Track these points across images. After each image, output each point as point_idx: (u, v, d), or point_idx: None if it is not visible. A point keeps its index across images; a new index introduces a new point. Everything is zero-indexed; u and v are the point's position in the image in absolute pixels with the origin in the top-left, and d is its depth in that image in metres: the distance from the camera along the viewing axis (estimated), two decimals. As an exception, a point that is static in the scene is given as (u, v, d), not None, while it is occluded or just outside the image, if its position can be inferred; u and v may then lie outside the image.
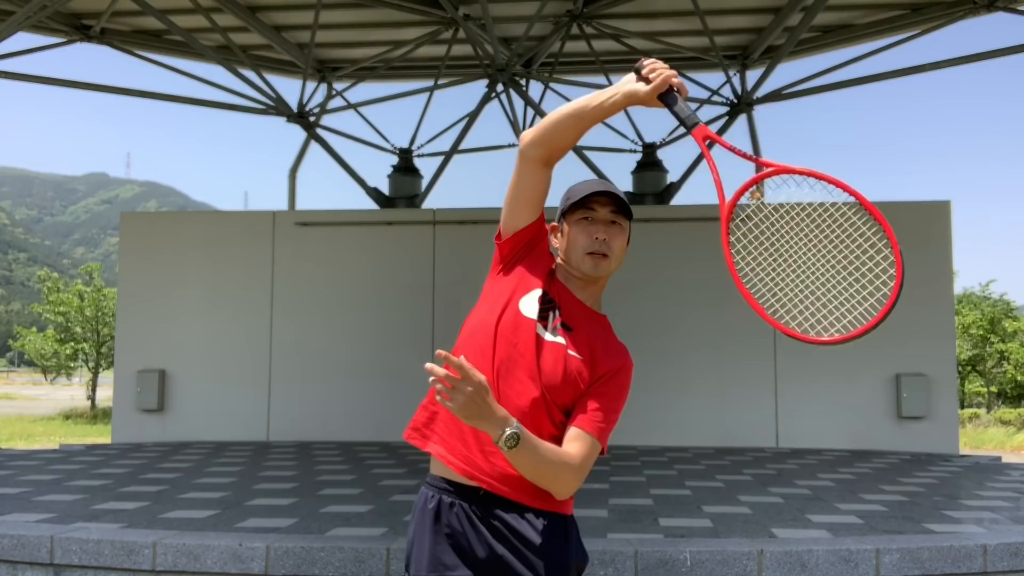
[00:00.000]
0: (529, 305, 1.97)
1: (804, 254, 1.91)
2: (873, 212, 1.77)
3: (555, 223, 2.08)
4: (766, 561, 4.33)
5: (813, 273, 1.90)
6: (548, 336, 1.96)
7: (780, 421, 10.65)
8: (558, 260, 2.09)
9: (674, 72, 1.88)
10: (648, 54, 12.97)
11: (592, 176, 12.23)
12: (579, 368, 1.94)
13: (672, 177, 12.56)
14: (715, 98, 12.43)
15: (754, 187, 1.88)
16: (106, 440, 13.89)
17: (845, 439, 10.46)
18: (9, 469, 7.94)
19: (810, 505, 6.02)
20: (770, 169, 1.92)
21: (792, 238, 1.92)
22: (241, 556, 4.40)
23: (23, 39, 11.30)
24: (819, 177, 1.83)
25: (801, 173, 1.86)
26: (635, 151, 13.05)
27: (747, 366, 10.71)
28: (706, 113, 12.89)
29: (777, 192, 1.91)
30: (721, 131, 12.25)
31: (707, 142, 2.00)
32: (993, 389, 26.69)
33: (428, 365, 1.69)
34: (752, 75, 12.83)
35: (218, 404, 11.32)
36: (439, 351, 1.68)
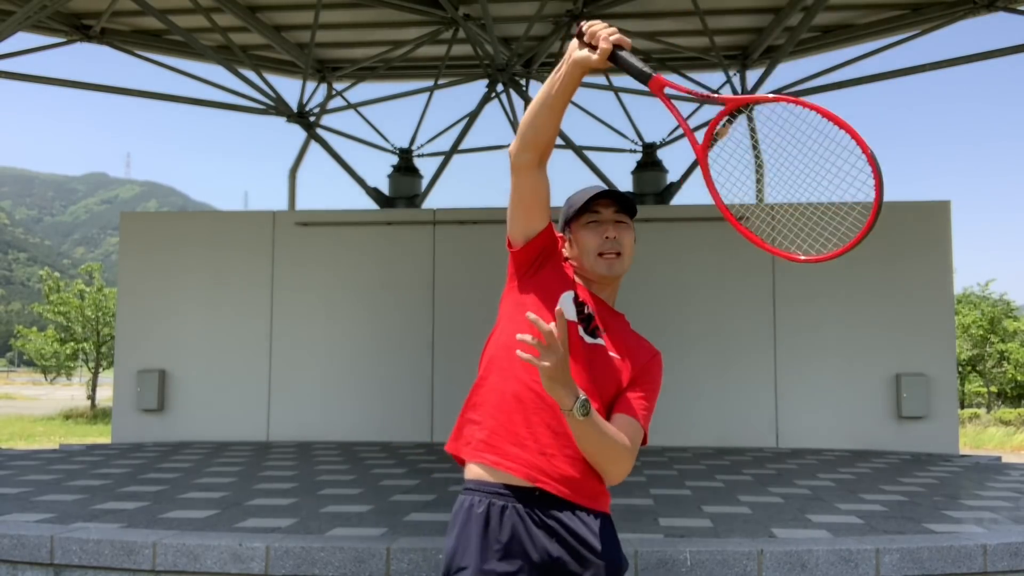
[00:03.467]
0: (566, 308, 1.95)
1: (784, 179, 1.93)
2: (842, 125, 1.74)
3: (561, 235, 2.10)
4: (766, 561, 4.33)
5: (795, 194, 1.92)
6: (588, 339, 1.98)
7: (780, 421, 10.65)
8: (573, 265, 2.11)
9: (614, 29, 1.86)
10: (648, 54, 13.00)
11: (595, 181, 12.25)
12: (619, 367, 1.99)
13: (672, 177, 12.56)
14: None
15: (720, 124, 1.88)
16: (106, 440, 13.89)
17: (845, 439, 10.46)
18: (9, 469, 7.94)
19: (810, 505, 6.02)
20: (729, 103, 1.92)
21: (769, 166, 1.95)
22: (241, 556, 4.40)
23: (23, 39, 11.31)
24: (786, 100, 1.84)
25: (764, 100, 1.87)
26: (635, 151, 13.06)
27: (747, 366, 10.71)
28: (706, 113, 12.87)
29: (743, 126, 1.92)
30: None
31: (665, 91, 2.01)
32: (993, 389, 26.69)
33: (531, 316, 1.72)
34: (752, 75, 12.83)
35: (218, 404, 11.32)
36: (529, 314, 1.72)
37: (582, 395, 1.78)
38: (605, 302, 2.08)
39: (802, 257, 1.83)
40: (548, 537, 1.89)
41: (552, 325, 1.72)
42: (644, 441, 2.01)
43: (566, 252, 2.08)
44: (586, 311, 2.00)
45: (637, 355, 2.04)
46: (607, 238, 2.01)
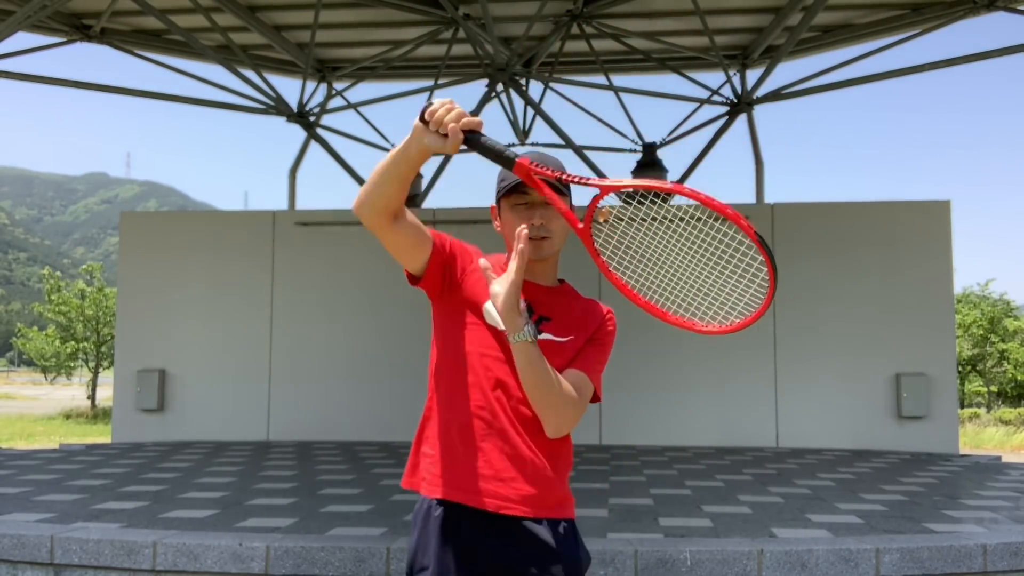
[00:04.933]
0: (496, 318, 1.91)
1: (677, 258, 1.85)
2: (723, 212, 1.72)
3: (493, 205, 2.03)
4: (766, 561, 4.33)
5: (689, 274, 1.85)
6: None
7: (780, 421, 10.65)
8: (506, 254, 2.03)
9: (460, 112, 1.75)
10: (648, 54, 12.97)
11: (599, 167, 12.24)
12: (570, 348, 1.97)
13: (672, 177, 12.55)
14: (715, 98, 12.42)
15: (597, 210, 1.81)
16: (106, 440, 13.89)
17: (845, 439, 10.46)
18: (9, 469, 7.94)
19: (810, 505, 6.02)
20: (605, 186, 1.79)
21: (660, 244, 1.87)
22: (241, 556, 4.40)
23: (23, 39, 11.30)
24: (664, 190, 1.76)
25: (642, 187, 1.80)
26: (635, 151, 13.05)
27: (747, 366, 10.71)
28: (706, 113, 12.88)
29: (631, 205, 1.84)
30: (721, 131, 12.23)
31: (535, 174, 1.81)
32: (993, 389, 26.70)
33: (481, 262, 1.84)
34: (752, 75, 12.82)
35: (218, 404, 11.32)
36: (482, 261, 1.83)
37: (530, 324, 1.82)
38: (542, 284, 2.02)
39: (703, 328, 1.76)
40: (506, 542, 1.88)
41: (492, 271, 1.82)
42: (596, 397, 1.99)
43: (496, 225, 2.03)
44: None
45: (587, 326, 2.01)
46: (533, 224, 1.92)
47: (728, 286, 1.76)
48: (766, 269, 1.69)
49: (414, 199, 12.92)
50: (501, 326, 1.87)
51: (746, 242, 1.71)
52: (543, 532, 1.90)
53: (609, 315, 2.06)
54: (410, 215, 1.90)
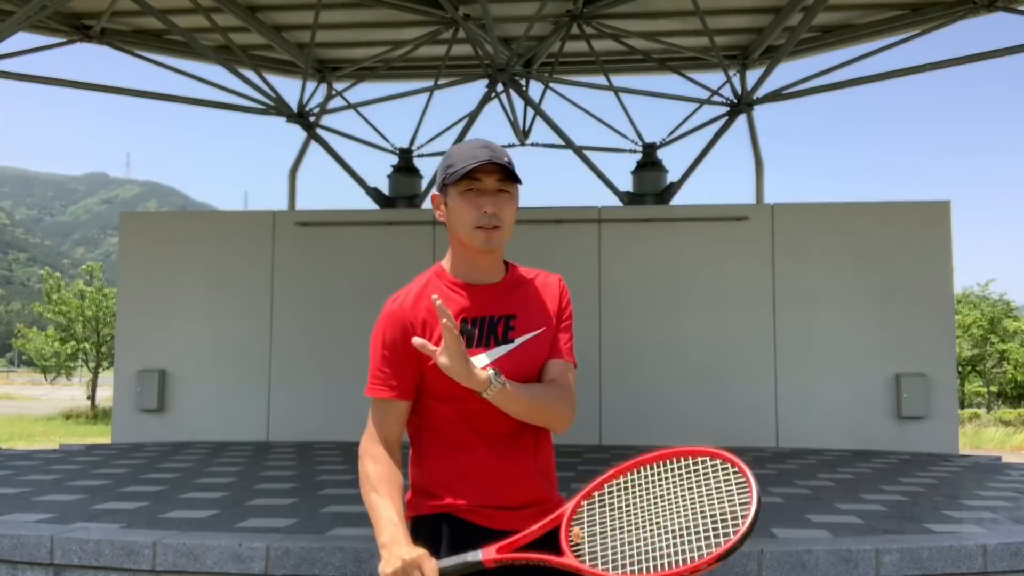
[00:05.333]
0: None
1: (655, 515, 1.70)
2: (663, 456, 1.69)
3: (436, 193, 1.94)
4: (766, 561, 4.33)
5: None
6: (503, 350, 1.89)
7: (780, 421, 10.65)
8: (444, 263, 1.98)
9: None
10: (648, 54, 12.98)
11: (595, 180, 12.25)
12: (543, 339, 1.93)
13: (672, 177, 12.55)
14: (715, 98, 12.42)
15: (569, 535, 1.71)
16: (106, 440, 13.89)
17: (845, 439, 10.46)
18: (9, 469, 7.94)
19: (810, 505, 6.02)
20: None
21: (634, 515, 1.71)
22: (241, 556, 4.40)
23: (23, 39, 11.30)
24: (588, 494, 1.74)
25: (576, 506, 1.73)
26: (635, 151, 13.05)
27: (747, 366, 10.71)
28: (706, 113, 12.86)
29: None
30: (721, 131, 12.23)
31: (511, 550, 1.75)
32: (993, 389, 26.71)
33: (417, 341, 1.78)
34: (752, 75, 12.83)
35: (218, 404, 11.32)
36: (436, 298, 1.73)
37: (490, 373, 1.77)
38: (491, 284, 1.94)
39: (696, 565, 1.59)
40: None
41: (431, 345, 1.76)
42: (574, 361, 2.01)
43: (438, 214, 1.93)
44: (471, 328, 1.88)
45: (551, 308, 1.97)
46: (485, 212, 1.84)
47: (710, 511, 1.65)
48: (746, 489, 1.61)
49: (413, 199, 12.93)
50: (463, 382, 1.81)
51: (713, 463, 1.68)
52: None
53: (562, 285, 2.02)
54: (397, 431, 1.92)
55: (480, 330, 1.90)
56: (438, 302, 1.72)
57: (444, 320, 1.71)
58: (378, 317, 1.96)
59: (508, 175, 1.86)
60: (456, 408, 1.88)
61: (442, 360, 1.75)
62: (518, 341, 1.90)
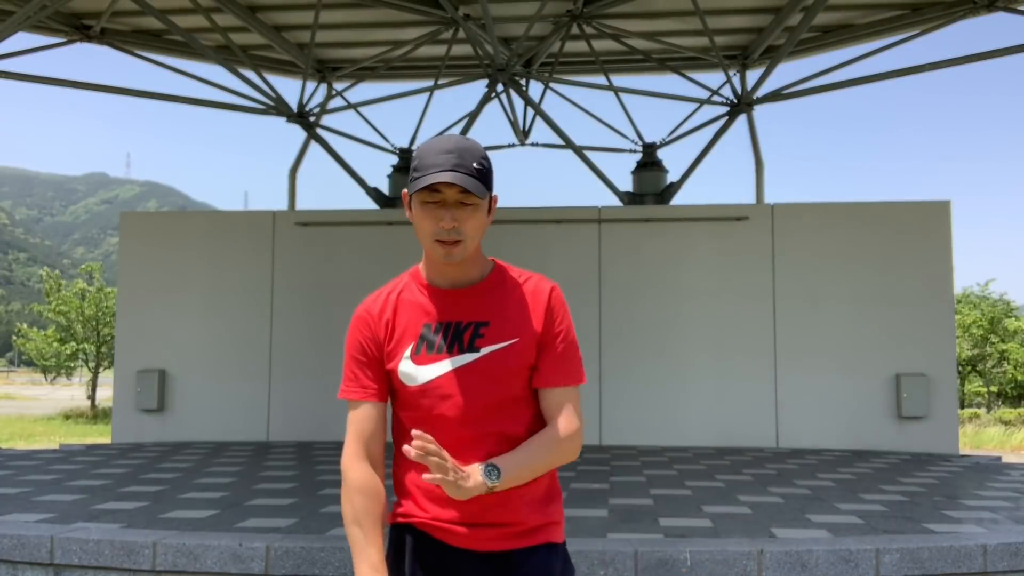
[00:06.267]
0: (416, 366, 1.81)
1: None
2: None
3: (406, 191, 1.82)
4: (766, 561, 4.33)
5: None
6: (469, 358, 1.80)
7: (780, 421, 10.65)
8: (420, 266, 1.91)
9: None
10: (648, 54, 12.98)
11: (596, 182, 12.23)
12: (520, 350, 1.80)
13: (672, 177, 12.56)
14: (715, 98, 12.43)
15: None
16: (106, 440, 13.89)
17: (845, 439, 10.46)
18: (9, 469, 7.94)
19: (810, 505, 6.02)
20: None
21: None
22: (241, 556, 4.40)
23: (23, 39, 11.31)
24: None
25: None
26: (635, 151, 13.05)
27: (747, 366, 10.71)
28: (706, 113, 12.88)
29: None
30: (721, 131, 12.23)
31: None
32: (993, 389, 26.70)
33: (407, 449, 1.65)
34: (752, 75, 12.83)
35: (218, 404, 11.32)
36: (416, 439, 1.63)
37: (479, 478, 1.69)
38: (465, 288, 1.85)
39: None
40: (480, 563, 1.80)
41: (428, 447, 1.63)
42: (581, 378, 1.88)
43: (408, 214, 1.83)
44: (441, 336, 1.81)
45: (533, 317, 1.82)
46: (443, 227, 1.74)
47: None
48: None
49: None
50: (413, 384, 1.80)
51: None
52: (525, 563, 1.82)
53: (555, 293, 1.86)
54: (376, 438, 1.85)
55: (444, 337, 1.80)
56: (411, 453, 1.62)
57: (436, 470, 1.63)
58: None
59: (474, 184, 1.72)
60: (411, 417, 1.83)
61: (450, 492, 1.67)
62: (484, 351, 1.79)
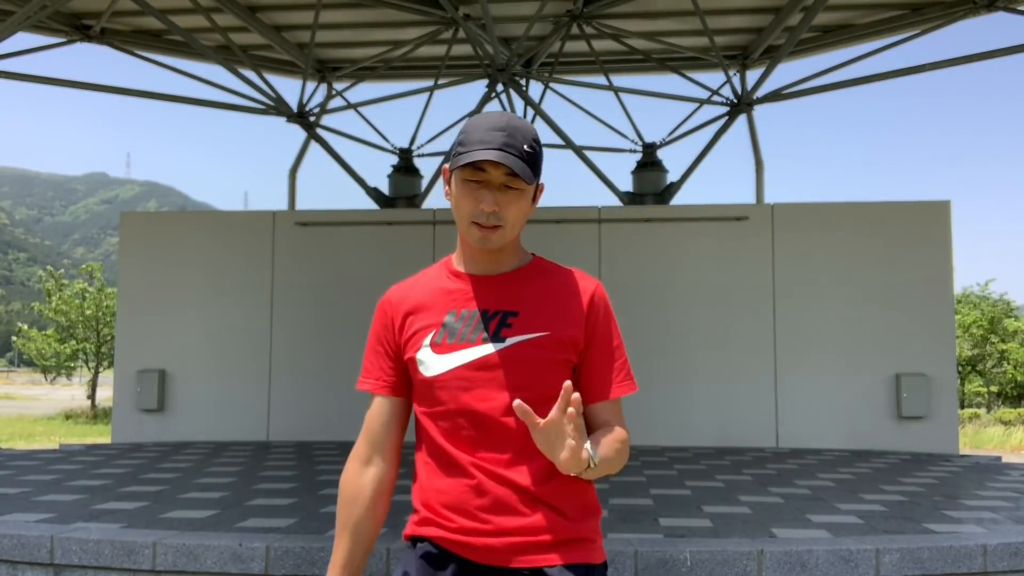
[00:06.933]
0: (435, 354, 1.68)
1: None
2: None
3: (447, 167, 1.71)
4: (766, 561, 4.33)
5: None
6: (494, 347, 1.65)
7: (780, 421, 10.65)
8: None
9: None
10: (648, 54, 12.99)
11: (596, 182, 12.23)
12: (549, 345, 1.65)
13: (672, 177, 12.56)
14: (715, 98, 12.43)
15: None
16: (106, 440, 13.89)
17: (845, 439, 10.46)
18: (9, 469, 7.94)
19: (810, 505, 6.02)
20: None
21: None
22: (241, 556, 4.40)
23: (23, 39, 11.31)
24: None
25: None
26: (635, 151, 13.05)
27: (747, 366, 10.71)
28: (706, 113, 12.90)
29: None
30: (721, 131, 12.24)
31: None
32: (993, 389, 26.70)
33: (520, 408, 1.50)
34: (752, 75, 12.83)
35: (218, 404, 11.32)
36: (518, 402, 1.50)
37: (589, 453, 1.53)
38: (502, 275, 1.72)
39: None
40: None
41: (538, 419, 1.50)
42: (633, 387, 1.75)
43: (445, 191, 1.72)
44: (465, 323, 1.68)
45: (571, 313, 1.69)
46: (483, 210, 1.62)
47: None
48: None
49: (413, 199, 12.94)
50: (430, 373, 1.67)
51: None
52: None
53: (600, 293, 1.73)
54: (385, 432, 1.77)
55: (468, 325, 1.67)
56: (517, 403, 1.49)
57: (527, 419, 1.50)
58: None
59: (522, 166, 1.60)
60: (428, 413, 1.70)
61: (561, 458, 1.51)
62: (510, 341, 1.64)
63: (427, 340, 1.68)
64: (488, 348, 1.64)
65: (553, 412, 1.47)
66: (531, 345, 1.64)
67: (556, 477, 1.63)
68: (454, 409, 1.65)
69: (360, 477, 1.74)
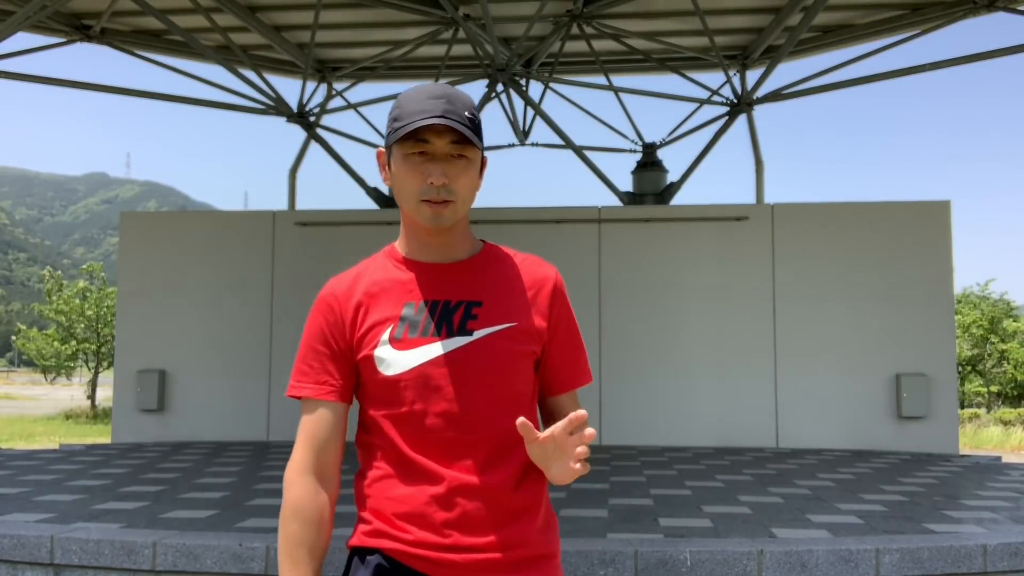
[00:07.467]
0: (396, 351, 1.53)
1: None
2: None
3: (381, 149, 1.60)
4: (766, 561, 4.33)
5: None
6: (460, 341, 1.52)
7: (780, 421, 10.65)
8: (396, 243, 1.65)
9: None
10: (648, 54, 12.99)
11: (596, 182, 12.23)
12: (517, 336, 1.55)
13: (672, 177, 12.56)
14: (715, 98, 12.43)
15: None
16: (106, 440, 13.89)
17: (845, 439, 10.46)
18: (9, 469, 7.94)
19: (810, 505, 6.02)
20: None
21: None
22: (241, 556, 4.40)
23: (23, 39, 11.31)
24: None
25: None
26: (635, 151, 13.05)
27: (747, 366, 10.71)
28: (706, 113, 12.89)
29: None
30: (721, 131, 12.23)
31: None
32: (993, 389, 26.69)
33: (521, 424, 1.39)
34: (752, 75, 12.83)
35: (218, 404, 11.32)
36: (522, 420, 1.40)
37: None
38: (455, 262, 1.59)
39: None
40: None
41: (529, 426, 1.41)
42: (591, 376, 1.68)
43: (383, 177, 1.60)
44: (426, 316, 1.54)
45: (534, 299, 1.58)
46: (432, 183, 1.49)
47: None
48: None
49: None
50: (392, 372, 1.52)
51: None
52: None
53: (559, 280, 1.64)
54: (330, 445, 1.57)
55: (430, 317, 1.53)
56: (521, 420, 1.38)
57: (526, 434, 1.40)
58: None
59: (465, 137, 1.49)
60: (389, 416, 1.53)
61: (553, 473, 1.44)
62: (477, 334, 1.52)
63: (385, 336, 1.53)
64: (456, 342, 1.52)
65: (557, 430, 1.39)
66: (500, 337, 1.53)
67: (525, 484, 1.54)
68: (419, 410, 1.51)
69: (317, 495, 1.54)
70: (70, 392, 36.90)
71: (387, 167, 1.58)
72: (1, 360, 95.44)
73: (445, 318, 1.53)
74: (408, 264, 1.59)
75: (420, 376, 1.50)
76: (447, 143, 1.49)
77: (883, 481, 7.41)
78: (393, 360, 1.51)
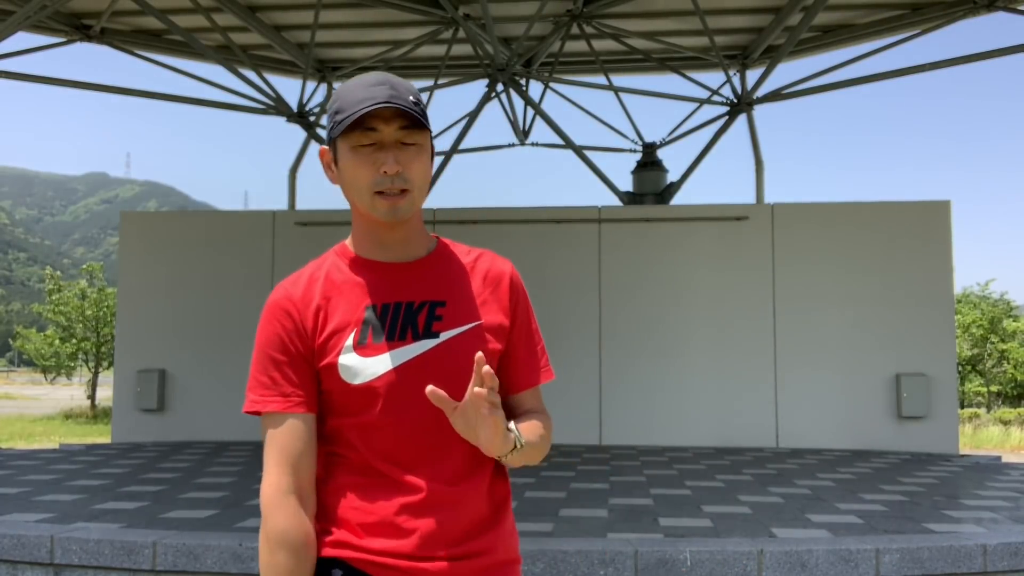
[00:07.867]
0: (361, 358, 1.46)
1: None
2: None
3: (324, 147, 1.51)
4: (766, 561, 4.33)
5: None
6: (427, 344, 1.47)
7: (780, 421, 10.65)
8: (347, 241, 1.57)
9: None
10: (648, 54, 12.98)
11: (597, 182, 12.23)
12: (482, 335, 1.50)
13: (672, 177, 12.56)
14: (715, 98, 12.43)
15: None
16: (106, 440, 13.89)
17: (845, 439, 10.46)
18: (9, 469, 7.94)
19: (810, 505, 6.02)
20: None
21: None
22: (241, 556, 4.40)
23: (23, 39, 11.31)
24: None
25: None
26: (635, 151, 13.05)
27: (747, 366, 10.71)
28: (706, 113, 12.89)
29: None
30: (721, 131, 12.23)
31: None
32: (993, 389, 26.69)
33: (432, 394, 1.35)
34: (752, 75, 12.83)
35: (218, 404, 11.31)
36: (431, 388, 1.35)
37: (515, 434, 1.42)
38: (411, 262, 1.53)
39: None
40: None
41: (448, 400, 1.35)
42: (552, 372, 1.63)
43: (329, 176, 1.52)
44: (390, 319, 1.48)
45: (494, 294, 1.54)
46: (385, 173, 1.42)
47: None
48: None
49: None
50: (359, 380, 1.45)
51: None
52: None
53: (516, 275, 1.59)
54: (305, 460, 1.46)
55: (394, 320, 1.47)
56: (430, 389, 1.34)
57: (441, 403, 1.35)
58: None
59: (413, 121, 1.43)
60: (354, 425, 1.47)
61: (483, 437, 1.37)
62: (444, 336, 1.47)
63: (348, 342, 1.46)
64: (423, 345, 1.46)
65: (470, 391, 1.33)
66: (467, 337, 1.48)
67: (494, 490, 1.52)
68: (389, 419, 1.44)
69: (302, 520, 1.44)
70: (70, 392, 36.89)
71: (332, 165, 1.50)
72: (1, 360, 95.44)
73: (409, 320, 1.47)
74: (365, 264, 1.52)
75: (388, 384, 1.44)
76: (396, 129, 1.43)
77: (883, 481, 7.41)
78: (359, 368, 1.45)
